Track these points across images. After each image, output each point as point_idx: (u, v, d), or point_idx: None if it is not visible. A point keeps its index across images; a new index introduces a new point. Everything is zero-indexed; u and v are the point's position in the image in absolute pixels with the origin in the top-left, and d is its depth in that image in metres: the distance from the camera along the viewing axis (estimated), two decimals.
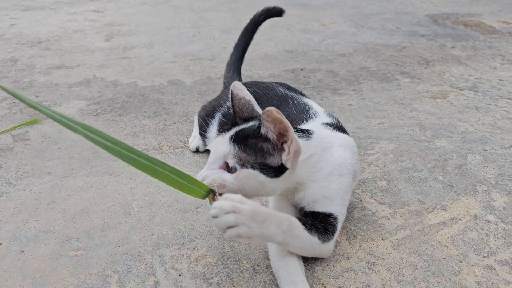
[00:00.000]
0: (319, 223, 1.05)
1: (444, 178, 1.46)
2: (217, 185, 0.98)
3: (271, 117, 0.93)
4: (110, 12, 4.19)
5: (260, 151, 0.99)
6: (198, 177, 1.00)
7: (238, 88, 1.10)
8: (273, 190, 1.03)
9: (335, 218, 1.07)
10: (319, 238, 1.04)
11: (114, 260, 1.10)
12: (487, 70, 2.55)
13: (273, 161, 0.98)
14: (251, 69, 2.54)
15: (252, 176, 0.98)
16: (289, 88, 1.52)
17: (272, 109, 0.91)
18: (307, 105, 1.37)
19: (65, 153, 1.63)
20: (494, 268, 1.07)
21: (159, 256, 1.12)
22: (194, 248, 1.15)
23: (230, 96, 1.12)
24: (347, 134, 1.26)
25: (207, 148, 1.06)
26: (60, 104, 2.06)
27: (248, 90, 1.45)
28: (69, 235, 1.20)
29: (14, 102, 2.07)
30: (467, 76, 2.44)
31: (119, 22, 3.74)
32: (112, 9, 4.33)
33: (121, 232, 1.20)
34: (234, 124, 1.08)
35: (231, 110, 1.40)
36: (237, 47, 1.86)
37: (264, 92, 1.47)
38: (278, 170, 0.99)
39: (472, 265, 1.09)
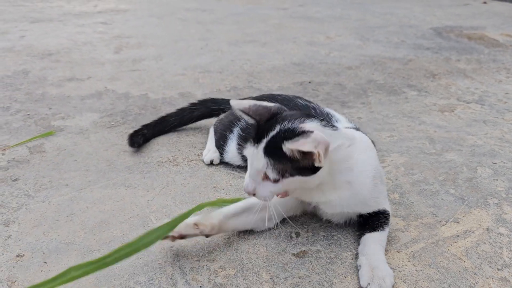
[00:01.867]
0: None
1: (455, 191, 1.49)
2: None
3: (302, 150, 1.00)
4: (118, 24, 4.24)
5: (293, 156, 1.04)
6: (245, 187, 1.09)
7: (238, 103, 1.15)
8: (314, 182, 1.10)
9: (385, 212, 1.25)
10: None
11: (136, 272, 1.13)
12: (493, 83, 2.59)
13: (307, 163, 1.04)
14: (259, 82, 2.58)
15: (294, 181, 1.06)
16: (306, 100, 1.56)
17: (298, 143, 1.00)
18: (329, 113, 1.44)
19: (81, 165, 1.65)
20: (509, 281, 1.10)
21: (179, 268, 1.14)
22: (213, 260, 1.17)
23: (240, 115, 1.15)
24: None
25: (244, 154, 1.12)
26: (73, 116, 2.09)
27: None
28: (90, 247, 1.22)
29: (28, 114, 2.10)
30: (473, 90, 2.48)
31: (127, 35, 3.79)
32: (119, 21, 4.39)
33: None
34: (261, 132, 1.09)
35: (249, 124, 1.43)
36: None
37: (284, 104, 1.50)
38: (314, 168, 1.05)
39: (487, 277, 1.11)
